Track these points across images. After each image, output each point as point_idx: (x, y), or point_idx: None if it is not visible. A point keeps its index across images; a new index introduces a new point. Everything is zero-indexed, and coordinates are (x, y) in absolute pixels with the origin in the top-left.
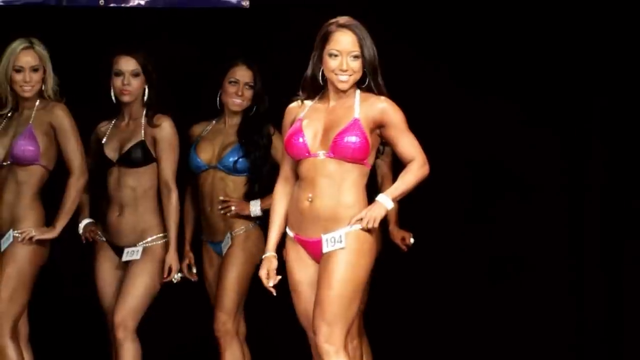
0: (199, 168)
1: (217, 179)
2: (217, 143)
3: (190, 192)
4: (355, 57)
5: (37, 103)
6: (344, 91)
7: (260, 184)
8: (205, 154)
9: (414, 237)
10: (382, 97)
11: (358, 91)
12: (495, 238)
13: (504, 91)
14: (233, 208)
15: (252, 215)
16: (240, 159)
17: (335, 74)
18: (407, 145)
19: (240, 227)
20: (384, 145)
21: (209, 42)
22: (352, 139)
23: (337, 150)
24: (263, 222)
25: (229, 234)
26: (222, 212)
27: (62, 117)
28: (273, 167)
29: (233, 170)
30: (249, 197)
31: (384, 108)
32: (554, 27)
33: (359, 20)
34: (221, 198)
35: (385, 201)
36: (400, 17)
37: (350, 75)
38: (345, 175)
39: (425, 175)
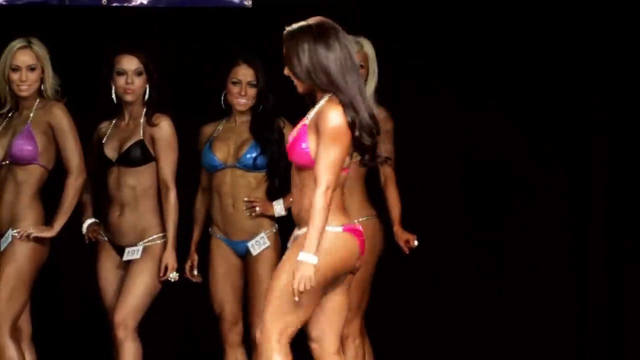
0: (215, 167)
1: (236, 177)
2: (231, 142)
3: (201, 192)
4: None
5: (37, 103)
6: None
7: (280, 178)
8: (221, 153)
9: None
10: (325, 102)
11: (326, 97)
12: (499, 240)
13: (508, 95)
14: (258, 209)
15: (276, 215)
16: (259, 156)
17: None
18: (319, 162)
19: (272, 227)
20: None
21: (211, 42)
22: (302, 145)
23: (292, 158)
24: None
25: (263, 234)
26: (244, 209)
27: (60, 117)
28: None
29: (253, 168)
30: (270, 192)
31: (317, 112)
32: (556, 30)
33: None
34: (245, 199)
35: (309, 258)
36: (401, 20)
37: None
38: (306, 182)
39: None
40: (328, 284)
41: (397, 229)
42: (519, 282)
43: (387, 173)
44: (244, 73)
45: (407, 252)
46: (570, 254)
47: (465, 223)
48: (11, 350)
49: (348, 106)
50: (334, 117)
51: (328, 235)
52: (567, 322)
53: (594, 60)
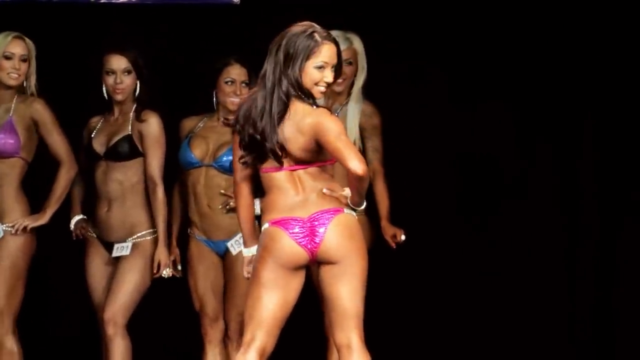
0: (190, 164)
1: (210, 177)
2: (211, 141)
3: (178, 189)
4: None
5: (16, 97)
6: None
7: (257, 181)
8: (199, 151)
9: (405, 235)
10: None
11: None
12: (488, 238)
13: (500, 95)
14: (232, 203)
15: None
16: None
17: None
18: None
19: None
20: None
21: (200, 39)
22: None
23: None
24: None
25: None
26: (220, 207)
27: (42, 111)
28: None
29: (229, 170)
30: None
31: None
32: (545, 27)
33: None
34: (222, 191)
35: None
36: (391, 15)
37: None
38: None
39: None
40: (272, 275)
41: (384, 224)
42: (509, 278)
43: (375, 168)
44: (238, 72)
45: (394, 247)
46: (560, 250)
47: (455, 219)
48: (12, 345)
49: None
50: None
51: (261, 235)
52: (558, 318)
53: (584, 57)
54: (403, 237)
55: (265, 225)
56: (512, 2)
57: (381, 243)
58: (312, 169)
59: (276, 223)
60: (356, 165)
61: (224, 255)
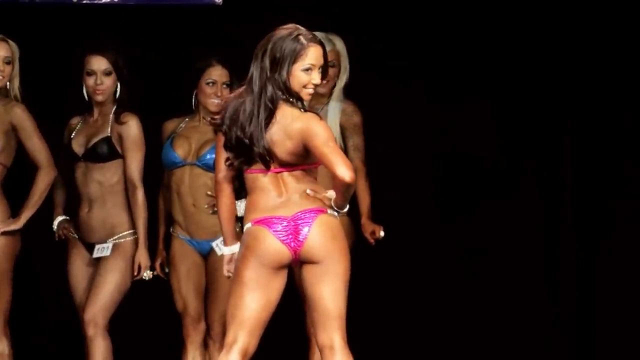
0: (174, 164)
1: (194, 176)
2: (193, 140)
3: (163, 191)
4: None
5: None
6: None
7: (241, 180)
8: (182, 150)
9: (384, 231)
10: None
11: None
12: (468, 233)
13: (481, 95)
14: None
15: (238, 214)
16: None
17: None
18: None
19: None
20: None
21: (182, 39)
22: None
23: None
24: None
25: None
26: (206, 207)
27: (22, 116)
28: None
29: (213, 168)
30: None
31: None
32: (527, 27)
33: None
34: (208, 193)
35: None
36: (372, 15)
37: None
38: None
39: None
40: (255, 275)
41: (364, 221)
42: (489, 277)
43: (356, 167)
44: (219, 74)
45: (373, 243)
46: (540, 247)
47: (436, 217)
48: (4, 347)
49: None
50: None
51: (243, 234)
52: (538, 314)
53: (563, 59)
54: (382, 234)
55: (248, 225)
56: (494, 2)
57: (362, 242)
58: (297, 172)
59: (259, 222)
60: (344, 171)
61: (207, 256)
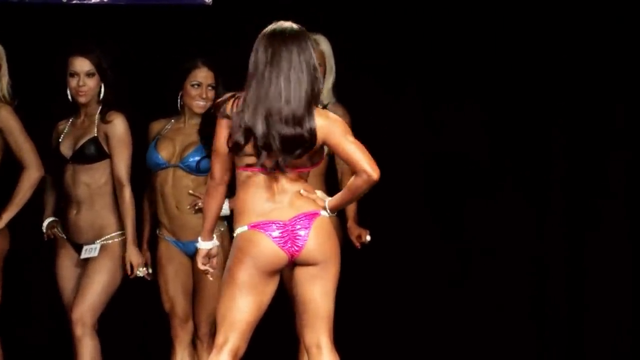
0: (158, 165)
1: (178, 178)
2: (177, 142)
3: (148, 192)
4: None
5: None
6: None
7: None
8: (165, 152)
9: (371, 235)
10: None
11: None
12: (458, 232)
13: (470, 96)
14: (200, 203)
15: (221, 214)
16: (203, 160)
17: None
18: None
19: (219, 227)
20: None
21: (173, 40)
22: None
23: None
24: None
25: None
26: (188, 207)
27: (7, 118)
28: None
29: (195, 170)
30: None
31: None
32: (515, 27)
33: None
34: (190, 192)
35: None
36: (359, 15)
37: None
38: None
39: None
40: (249, 278)
41: (350, 224)
42: (477, 279)
43: (343, 168)
44: (205, 76)
45: (359, 247)
46: (529, 245)
47: (424, 219)
48: None
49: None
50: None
51: (236, 236)
52: (527, 312)
53: (551, 55)
54: (368, 238)
55: (244, 228)
56: (484, 4)
57: (348, 243)
58: (293, 174)
59: (256, 226)
60: (373, 168)
61: (194, 256)
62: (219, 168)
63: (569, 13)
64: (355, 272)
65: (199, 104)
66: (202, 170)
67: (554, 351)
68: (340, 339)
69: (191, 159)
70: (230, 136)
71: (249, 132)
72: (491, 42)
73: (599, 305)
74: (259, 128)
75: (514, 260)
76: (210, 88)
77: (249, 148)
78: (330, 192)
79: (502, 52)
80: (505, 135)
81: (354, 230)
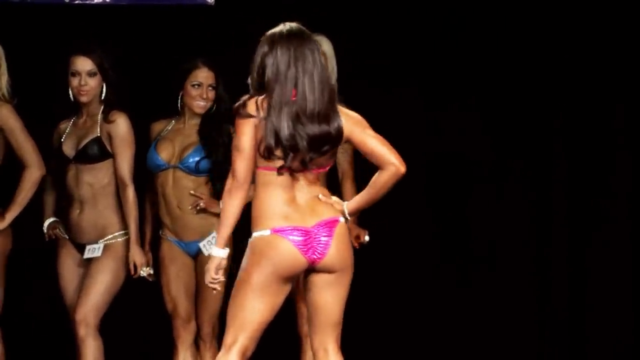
0: (158, 167)
1: (178, 179)
2: (177, 143)
3: (150, 193)
4: None
5: None
6: None
7: (222, 183)
8: (165, 153)
9: (369, 236)
10: None
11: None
12: (459, 232)
13: (472, 96)
14: (202, 204)
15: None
16: (203, 160)
17: None
18: None
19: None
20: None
21: (174, 40)
22: None
23: None
24: None
25: (215, 233)
26: (190, 208)
27: (8, 117)
28: None
29: (195, 171)
30: (212, 196)
31: None
32: (516, 27)
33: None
34: (191, 192)
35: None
36: (361, 16)
37: None
38: None
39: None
40: (266, 282)
41: (350, 224)
42: (479, 279)
43: (344, 169)
44: (205, 76)
45: (358, 247)
46: (531, 246)
47: (425, 220)
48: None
49: (271, 109)
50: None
51: (256, 239)
52: (529, 312)
53: (553, 57)
54: (367, 238)
55: (266, 232)
56: (485, 5)
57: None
58: (311, 175)
59: (278, 232)
60: (400, 161)
61: (196, 256)
62: (243, 168)
63: (570, 13)
64: (356, 272)
65: (200, 104)
66: (201, 171)
67: (556, 351)
68: (342, 339)
69: (190, 160)
70: (261, 141)
71: (277, 135)
72: (493, 43)
73: (601, 305)
74: (285, 129)
75: (516, 260)
76: (210, 88)
77: (277, 151)
78: (330, 192)
79: (503, 52)
80: (507, 136)
81: (353, 230)
